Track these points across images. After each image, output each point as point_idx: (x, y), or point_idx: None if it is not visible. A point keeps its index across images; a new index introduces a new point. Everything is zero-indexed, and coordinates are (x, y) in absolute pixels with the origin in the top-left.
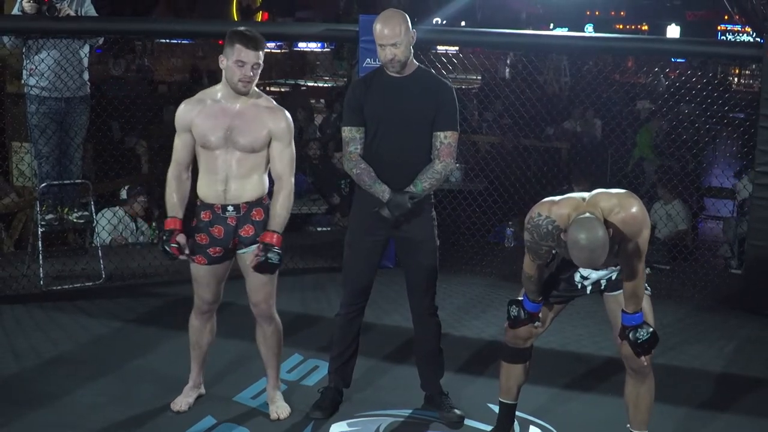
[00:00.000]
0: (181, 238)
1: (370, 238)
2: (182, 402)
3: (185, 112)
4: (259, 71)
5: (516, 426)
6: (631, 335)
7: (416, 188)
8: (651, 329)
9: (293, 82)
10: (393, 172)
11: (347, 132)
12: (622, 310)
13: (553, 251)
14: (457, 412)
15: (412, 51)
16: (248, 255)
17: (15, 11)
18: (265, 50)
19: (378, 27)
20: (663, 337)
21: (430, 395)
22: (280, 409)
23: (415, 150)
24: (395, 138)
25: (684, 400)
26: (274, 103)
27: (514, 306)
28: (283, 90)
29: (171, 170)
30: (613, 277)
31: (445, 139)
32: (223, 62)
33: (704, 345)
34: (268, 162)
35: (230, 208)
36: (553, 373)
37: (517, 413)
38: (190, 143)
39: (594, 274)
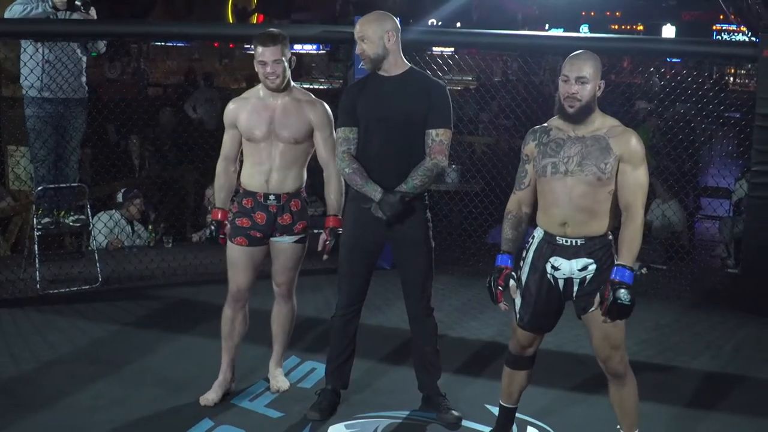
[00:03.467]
0: (228, 230)
1: (365, 240)
2: (209, 397)
3: (232, 111)
4: (283, 66)
5: (514, 428)
6: (613, 292)
7: (407, 186)
8: (632, 298)
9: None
10: (386, 171)
11: (340, 132)
12: (615, 264)
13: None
14: (455, 413)
15: (392, 51)
16: (282, 244)
17: (12, 14)
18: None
19: (357, 24)
20: (660, 337)
21: (427, 396)
22: (280, 382)
23: (408, 149)
24: (388, 137)
25: (681, 399)
26: (312, 96)
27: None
28: None
29: (220, 164)
30: (588, 277)
31: (437, 137)
32: (257, 66)
33: (701, 345)
34: (307, 156)
35: (272, 197)
36: (551, 374)
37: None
38: (237, 138)
39: (566, 265)
